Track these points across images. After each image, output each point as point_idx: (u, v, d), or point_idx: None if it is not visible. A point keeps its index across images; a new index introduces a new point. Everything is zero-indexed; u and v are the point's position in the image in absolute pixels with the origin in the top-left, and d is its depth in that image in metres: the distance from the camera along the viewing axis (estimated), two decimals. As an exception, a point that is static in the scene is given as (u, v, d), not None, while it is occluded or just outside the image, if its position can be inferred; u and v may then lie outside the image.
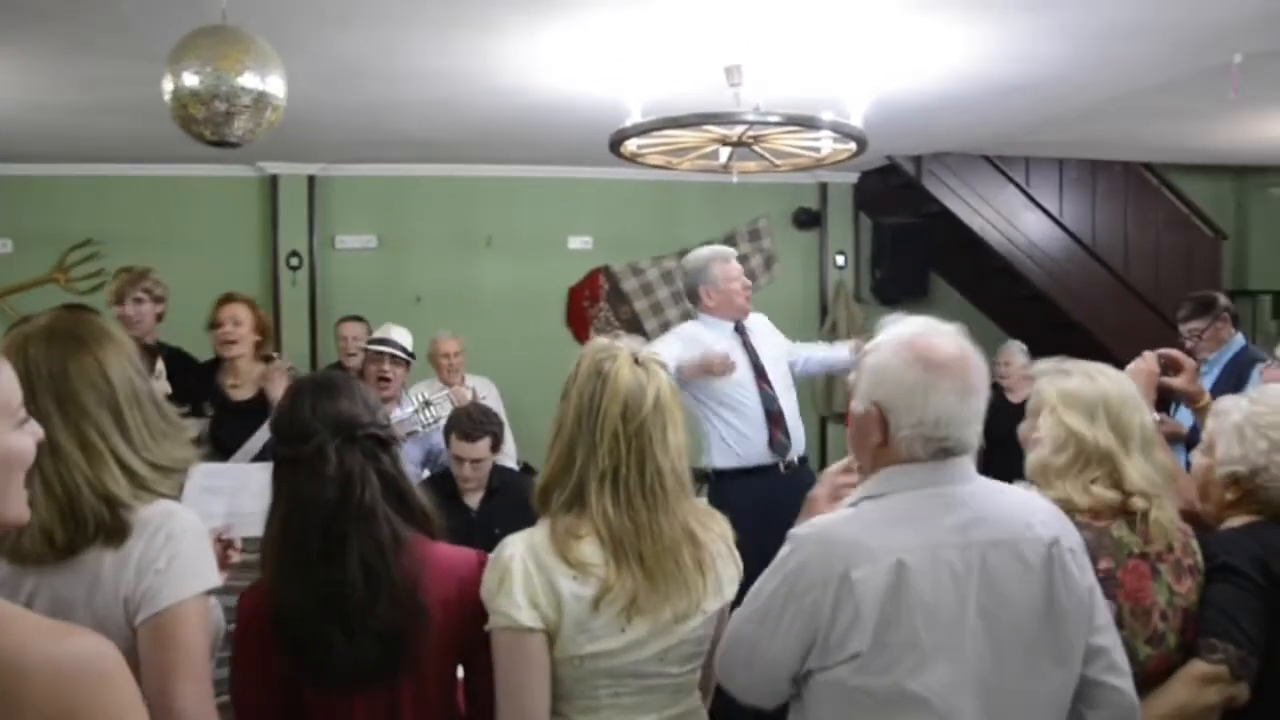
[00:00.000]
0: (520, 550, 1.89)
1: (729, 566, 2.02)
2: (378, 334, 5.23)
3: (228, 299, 4.22)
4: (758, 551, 2.01)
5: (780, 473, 4.39)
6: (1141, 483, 2.12)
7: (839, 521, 1.79)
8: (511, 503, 4.18)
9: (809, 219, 8.05)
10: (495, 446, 4.19)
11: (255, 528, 2.07)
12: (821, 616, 1.70)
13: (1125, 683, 1.86)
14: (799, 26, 4.33)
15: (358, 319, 6.06)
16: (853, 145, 4.46)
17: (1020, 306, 7.92)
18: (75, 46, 4.41)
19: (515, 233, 7.62)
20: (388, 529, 1.96)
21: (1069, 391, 2.21)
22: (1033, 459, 2.23)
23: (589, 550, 1.88)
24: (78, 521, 1.68)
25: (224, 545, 2.21)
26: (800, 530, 1.80)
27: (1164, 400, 3.41)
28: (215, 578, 1.78)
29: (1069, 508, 2.07)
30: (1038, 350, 6.49)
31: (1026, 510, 1.84)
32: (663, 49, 4.52)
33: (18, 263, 7.02)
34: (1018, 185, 7.44)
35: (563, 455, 1.95)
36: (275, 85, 3.22)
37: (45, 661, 1.09)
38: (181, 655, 1.66)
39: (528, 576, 1.86)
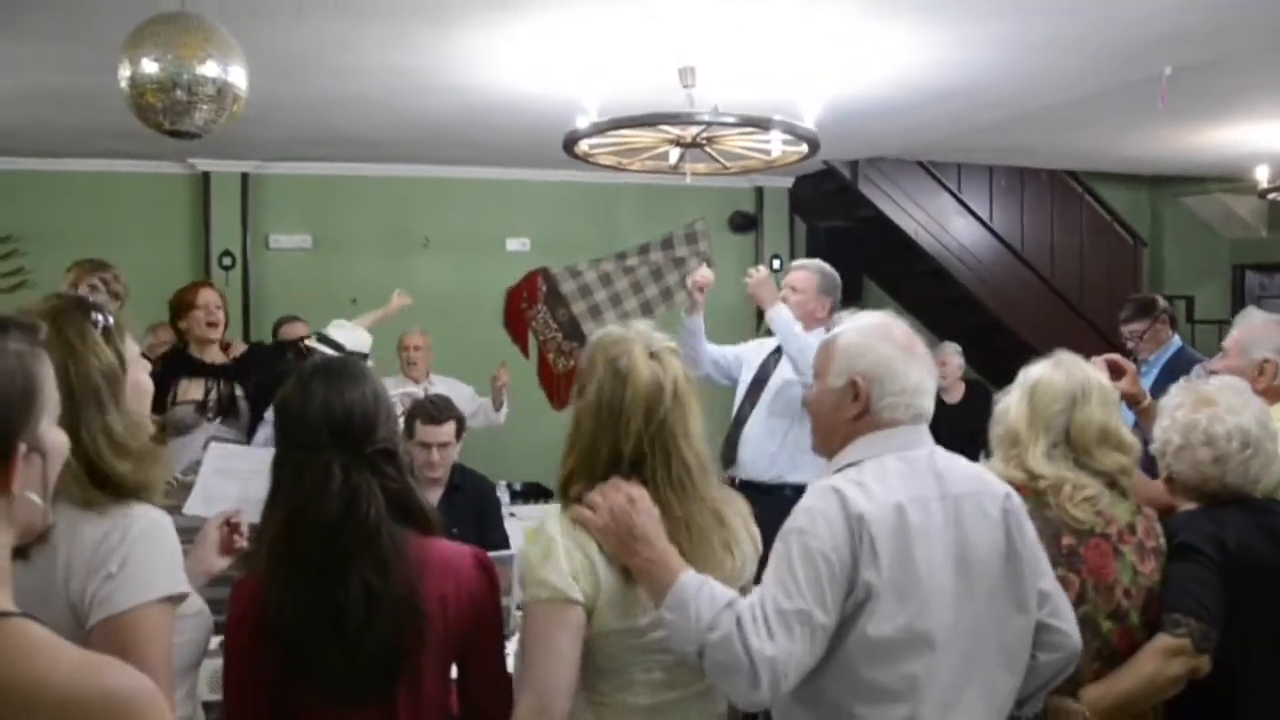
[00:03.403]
0: (557, 529, 1.92)
1: (749, 545, 2.07)
2: (330, 335, 4.94)
3: (202, 284, 4.30)
4: None
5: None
6: (1043, 469, 2.27)
7: (833, 481, 1.90)
8: (472, 503, 4.14)
9: (745, 222, 8.14)
10: (459, 433, 4.14)
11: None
12: (854, 560, 1.81)
13: (1070, 626, 2.03)
14: (751, 29, 4.38)
15: (298, 319, 5.94)
16: (804, 147, 4.52)
17: (950, 308, 8.11)
18: (24, 32, 4.26)
19: (452, 234, 7.56)
20: (390, 543, 1.92)
21: (1027, 374, 2.40)
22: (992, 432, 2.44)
23: None
24: None
25: (230, 530, 2.14)
26: (804, 502, 1.88)
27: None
28: (178, 584, 1.70)
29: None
30: (968, 352, 6.70)
31: (979, 471, 2.04)
32: (617, 50, 4.54)
33: (-69, 259, 6.76)
34: (950, 191, 7.63)
35: (586, 451, 1.98)
36: (237, 76, 3.16)
37: (74, 698, 1.05)
38: (136, 664, 1.57)
39: (569, 552, 1.89)
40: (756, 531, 2.09)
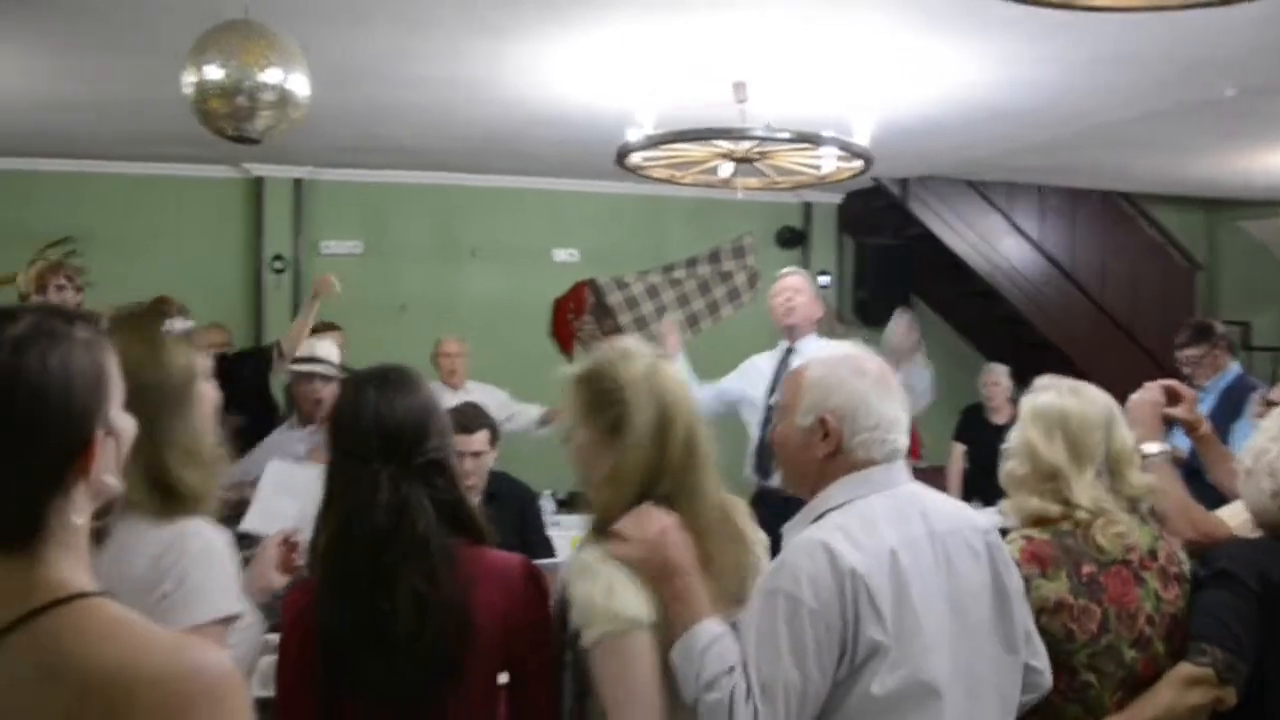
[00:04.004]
0: (604, 563, 1.85)
1: (759, 549, 2.02)
2: (301, 352, 4.86)
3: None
4: None
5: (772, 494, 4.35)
6: (1087, 502, 2.18)
7: (820, 531, 1.80)
8: (511, 510, 4.14)
9: (793, 238, 8.12)
10: (493, 441, 4.14)
11: None
12: (847, 619, 1.71)
13: (1046, 665, 1.98)
14: (804, 45, 4.38)
15: (335, 327, 5.86)
16: (858, 163, 4.52)
17: (998, 329, 8.03)
18: (88, 42, 4.37)
19: (501, 244, 7.60)
20: (440, 552, 1.91)
21: (1037, 406, 2.28)
22: (1003, 469, 2.32)
23: None
24: None
25: (289, 548, 2.15)
26: (785, 557, 1.79)
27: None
28: (233, 604, 1.70)
29: (1021, 515, 2.21)
30: (1015, 373, 6.63)
31: (957, 505, 1.98)
32: (670, 64, 4.55)
33: (-8, 257, 6.89)
34: (1000, 210, 7.56)
35: (628, 486, 1.90)
36: (298, 83, 3.21)
37: (160, 679, 1.06)
38: None
39: (626, 580, 1.83)
40: (763, 535, 2.04)
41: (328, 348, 4.87)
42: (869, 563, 1.73)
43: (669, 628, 1.83)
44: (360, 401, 1.97)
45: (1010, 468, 2.28)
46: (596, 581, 1.84)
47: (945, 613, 1.78)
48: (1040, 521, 2.19)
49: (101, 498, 1.18)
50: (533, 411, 6.09)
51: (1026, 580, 2.02)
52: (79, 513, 1.14)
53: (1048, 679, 1.98)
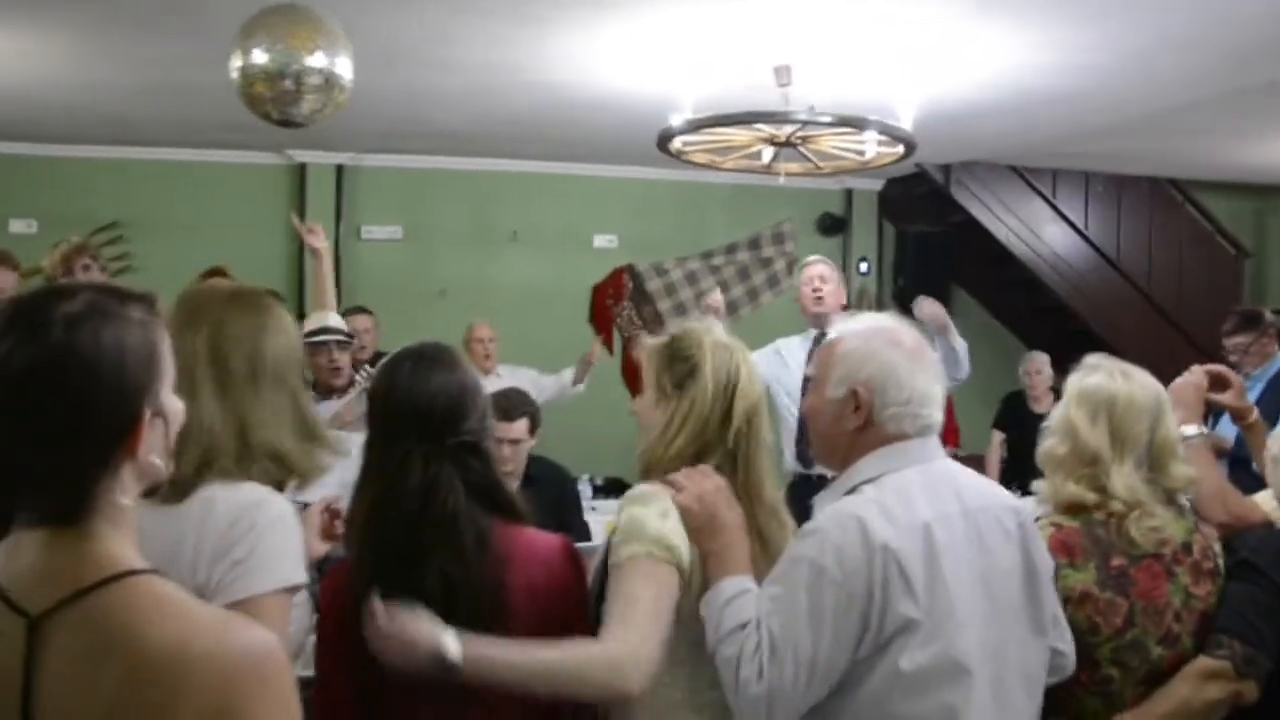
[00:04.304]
0: (663, 491, 1.90)
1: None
2: (312, 324, 4.86)
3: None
4: None
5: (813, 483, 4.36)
6: (1123, 492, 2.12)
7: (853, 503, 1.78)
8: (549, 494, 4.15)
9: (833, 225, 8.07)
10: (533, 428, 4.15)
11: None
12: (874, 594, 1.69)
13: (1071, 649, 1.95)
14: (848, 29, 4.34)
15: (364, 311, 5.89)
16: (900, 148, 4.48)
17: (1040, 317, 7.94)
18: (135, 29, 4.42)
19: (540, 229, 7.61)
20: (471, 533, 1.90)
21: (1085, 387, 2.22)
22: (1041, 446, 2.27)
23: None
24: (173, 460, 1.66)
25: (331, 515, 2.17)
26: (817, 524, 1.78)
27: (1206, 414, 3.43)
28: (300, 574, 1.72)
29: (1053, 499, 2.16)
30: (1056, 362, 6.55)
31: (989, 483, 1.94)
32: (712, 48, 4.53)
33: (42, 243, 6.89)
34: (1044, 197, 7.48)
35: (687, 441, 1.96)
36: (344, 66, 3.22)
37: (208, 655, 1.07)
38: None
39: (679, 524, 1.87)
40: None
41: (335, 318, 4.91)
42: (902, 537, 1.70)
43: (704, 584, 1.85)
44: (394, 378, 1.96)
45: (1049, 446, 2.23)
46: (652, 505, 1.88)
47: (977, 591, 1.75)
48: (1072, 509, 2.15)
49: (148, 479, 1.19)
50: (565, 375, 6.09)
51: (1054, 569, 1.99)
52: (126, 493, 1.15)
53: (1071, 662, 1.95)
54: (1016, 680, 1.80)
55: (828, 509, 1.81)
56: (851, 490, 1.81)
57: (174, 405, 1.22)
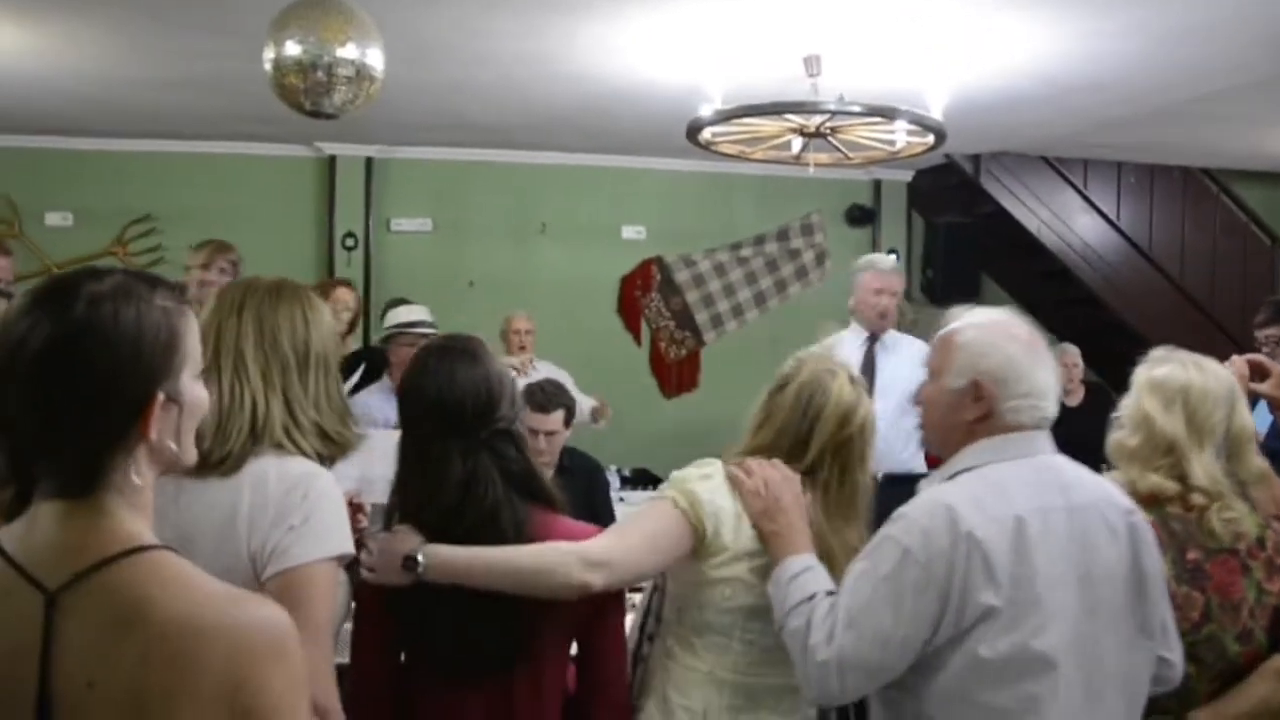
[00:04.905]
0: (723, 475, 2.02)
1: None
2: (401, 318, 5.07)
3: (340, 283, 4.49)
4: None
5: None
6: (1205, 480, 2.11)
7: (946, 492, 1.81)
8: (582, 484, 4.17)
9: (862, 216, 8.04)
10: (568, 421, 4.17)
11: (382, 494, 2.07)
12: (954, 579, 1.71)
13: (1179, 658, 1.93)
14: (877, 18, 4.32)
15: (405, 301, 5.97)
16: (930, 138, 4.45)
17: (1070, 309, 7.88)
18: (168, 22, 4.45)
19: (569, 221, 7.62)
20: (511, 523, 1.94)
21: (1156, 377, 2.21)
22: (1112, 438, 2.26)
23: None
24: (223, 435, 1.72)
25: (354, 509, 2.20)
26: (908, 508, 1.81)
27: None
28: (349, 544, 1.76)
29: (1131, 491, 2.12)
30: (1086, 354, 6.51)
31: (1100, 481, 1.92)
32: (742, 38, 4.52)
33: (77, 236, 7.06)
34: (1075, 187, 7.42)
35: (769, 439, 2.10)
36: (375, 58, 3.25)
37: (221, 628, 1.10)
38: (305, 617, 1.60)
39: (724, 498, 1.99)
40: None
41: (424, 311, 5.07)
42: (989, 527, 1.72)
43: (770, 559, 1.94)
44: (423, 375, 2.01)
45: (1119, 438, 2.22)
46: (700, 469, 2.04)
47: (1073, 587, 1.75)
48: (1151, 500, 2.12)
49: (164, 463, 1.21)
50: (586, 405, 6.06)
51: None
52: (141, 474, 1.17)
53: (1179, 673, 1.93)
54: (1114, 682, 1.79)
55: (921, 495, 1.85)
56: (952, 477, 1.85)
57: (194, 393, 1.23)
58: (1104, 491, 1.89)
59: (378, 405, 4.25)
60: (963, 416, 1.86)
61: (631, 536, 1.95)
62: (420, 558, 1.86)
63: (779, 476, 1.98)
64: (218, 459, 1.70)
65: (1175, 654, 1.92)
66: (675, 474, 2.04)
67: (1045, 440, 1.87)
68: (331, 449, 1.83)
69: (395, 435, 2.08)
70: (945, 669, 1.74)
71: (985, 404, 1.83)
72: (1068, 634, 1.74)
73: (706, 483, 1.99)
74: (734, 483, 2.00)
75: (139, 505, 1.18)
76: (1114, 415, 2.27)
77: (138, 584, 1.12)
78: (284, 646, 1.13)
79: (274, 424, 1.76)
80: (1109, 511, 1.84)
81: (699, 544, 1.96)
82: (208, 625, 1.09)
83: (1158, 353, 2.31)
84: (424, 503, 1.95)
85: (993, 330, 1.88)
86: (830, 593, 1.83)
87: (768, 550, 1.94)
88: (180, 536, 1.55)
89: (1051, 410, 1.86)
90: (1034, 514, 1.75)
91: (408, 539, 1.89)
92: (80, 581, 1.11)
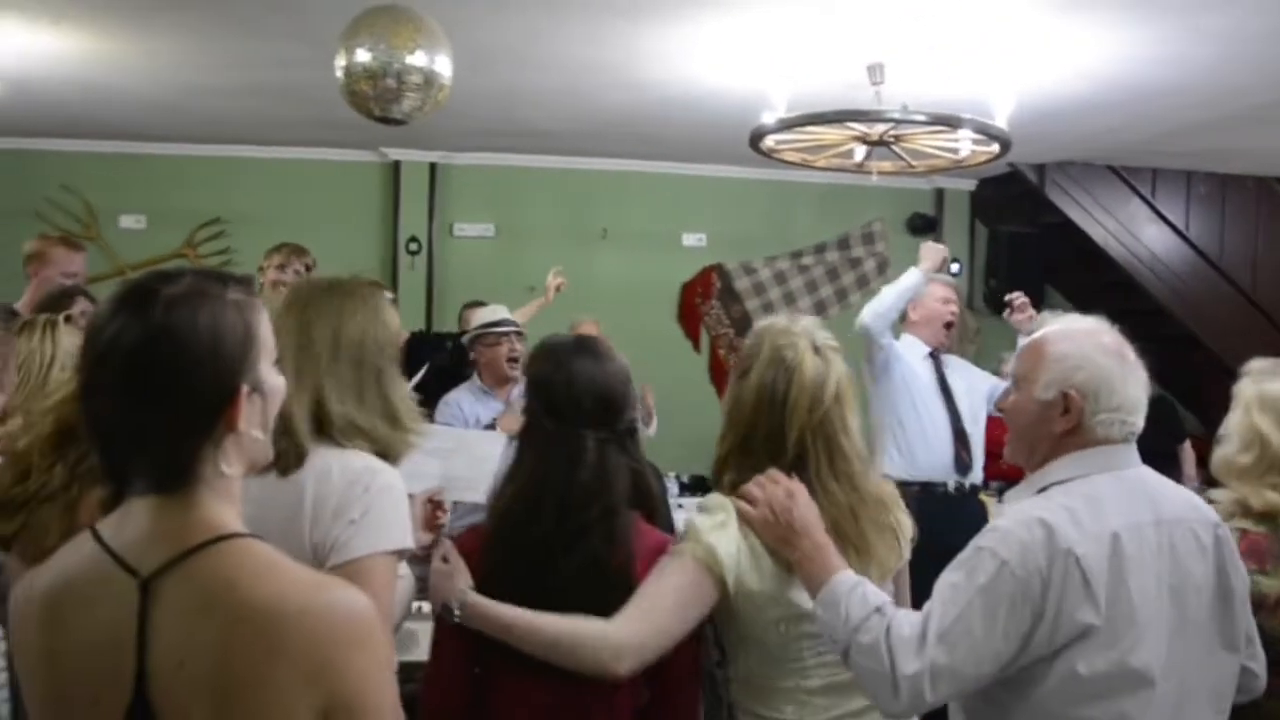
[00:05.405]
0: (733, 513, 1.96)
1: (906, 532, 2.09)
2: (487, 317, 5.03)
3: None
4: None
5: (950, 493, 4.27)
6: None
7: (1042, 507, 1.77)
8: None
9: (924, 224, 7.98)
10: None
11: (465, 493, 2.09)
12: (1050, 596, 1.69)
13: (1263, 669, 1.91)
14: (941, 25, 4.29)
15: (481, 303, 6.05)
16: (995, 147, 4.41)
17: (1136, 321, 7.70)
18: (238, 30, 4.56)
19: (630, 227, 7.67)
20: (625, 522, 1.96)
21: (1267, 393, 2.20)
22: (1218, 455, 2.24)
23: None
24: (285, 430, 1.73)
25: (434, 507, 2.23)
26: (1003, 523, 1.78)
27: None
28: (408, 539, 1.79)
29: (1244, 508, 2.11)
30: (1151, 367, 6.37)
31: (1187, 495, 1.89)
32: (805, 46, 4.52)
33: (150, 238, 7.24)
34: (1143, 197, 7.29)
35: (740, 439, 2.03)
36: (443, 65, 3.30)
37: (304, 612, 1.14)
38: None
39: (741, 539, 1.94)
40: (909, 521, 2.11)
41: (506, 310, 5.04)
42: (1087, 543, 1.69)
43: (803, 585, 1.89)
44: (574, 367, 2.02)
45: (1227, 454, 2.20)
46: (713, 515, 1.96)
47: (1165, 602, 1.74)
48: (1265, 515, 2.11)
49: (250, 452, 1.25)
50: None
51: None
52: (230, 464, 1.22)
53: (1262, 683, 1.92)
54: (1203, 696, 1.78)
55: (1012, 510, 1.83)
56: (1042, 490, 1.82)
57: (273, 381, 1.27)
58: (1190, 504, 1.86)
59: (468, 404, 4.29)
60: (1051, 429, 1.83)
61: (659, 616, 1.88)
62: (457, 611, 1.88)
63: (782, 493, 1.92)
64: (281, 455, 1.73)
65: (1259, 665, 1.91)
66: (690, 522, 1.97)
67: (1132, 453, 1.84)
68: (368, 445, 1.83)
69: (490, 436, 2.10)
70: (1040, 685, 1.72)
71: (1074, 416, 1.80)
72: (1161, 649, 1.72)
73: (723, 532, 1.93)
74: (743, 518, 1.94)
75: (228, 496, 1.23)
76: (1220, 432, 2.24)
77: (225, 569, 1.16)
78: (367, 631, 1.17)
79: (332, 422, 1.80)
80: (1197, 526, 1.82)
81: (724, 597, 1.93)
82: (291, 609, 1.13)
83: (1260, 365, 2.29)
84: (544, 487, 1.95)
85: (1085, 341, 1.83)
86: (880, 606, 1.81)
87: (799, 576, 1.90)
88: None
89: (1139, 424, 1.83)
90: (1128, 529, 1.73)
91: (456, 578, 1.90)
92: (171, 568, 1.16)
